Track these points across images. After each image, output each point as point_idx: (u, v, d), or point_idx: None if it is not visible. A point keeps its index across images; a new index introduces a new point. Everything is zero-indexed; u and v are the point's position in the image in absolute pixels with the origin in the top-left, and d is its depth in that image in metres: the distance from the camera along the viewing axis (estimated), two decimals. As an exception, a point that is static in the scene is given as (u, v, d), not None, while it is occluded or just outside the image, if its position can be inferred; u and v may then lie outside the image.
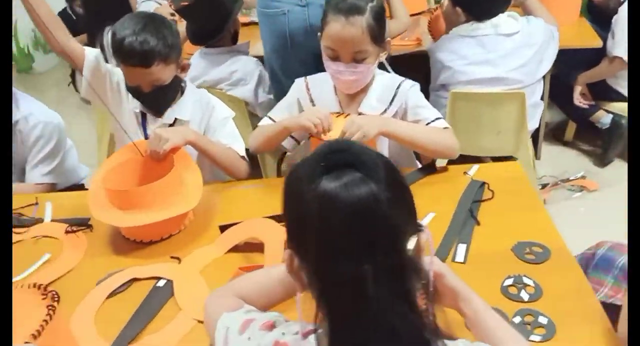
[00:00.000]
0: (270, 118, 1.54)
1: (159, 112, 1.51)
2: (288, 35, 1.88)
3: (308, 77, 1.55)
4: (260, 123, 1.56)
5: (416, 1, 2.65)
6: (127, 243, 1.29)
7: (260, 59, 2.27)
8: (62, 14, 3.87)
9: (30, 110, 1.62)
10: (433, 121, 1.42)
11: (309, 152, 1.53)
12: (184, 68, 1.50)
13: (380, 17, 1.38)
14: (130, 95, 1.49)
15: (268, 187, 1.50)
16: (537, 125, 2.09)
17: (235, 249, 1.22)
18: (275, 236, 1.13)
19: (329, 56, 1.39)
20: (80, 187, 1.86)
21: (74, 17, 3.84)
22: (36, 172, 1.62)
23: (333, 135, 1.33)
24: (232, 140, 1.50)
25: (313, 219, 0.62)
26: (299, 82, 1.55)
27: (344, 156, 0.64)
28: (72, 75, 4.02)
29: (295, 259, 0.68)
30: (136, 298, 1.12)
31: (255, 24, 3.11)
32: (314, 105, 1.51)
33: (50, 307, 0.92)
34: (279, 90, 1.98)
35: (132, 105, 1.52)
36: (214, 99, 1.57)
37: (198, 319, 1.03)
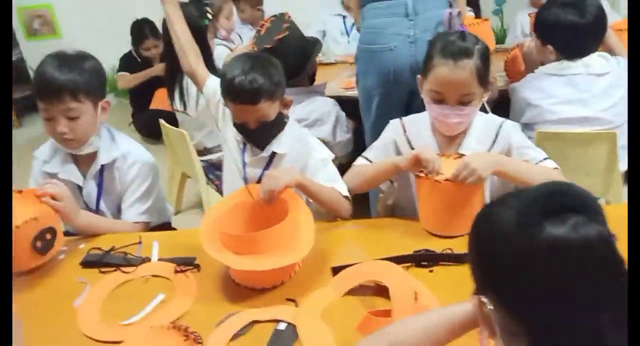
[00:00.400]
0: (365, 158, 1.55)
1: (262, 147, 1.55)
2: (393, 71, 1.90)
3: (404, 118, 1.56)
4: (355, 163, 1.57)
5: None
6: (237, 286, 1.29)
7: (336, 99, 2.32)
8: (127, 57, 4.04)
9: (128, 149, 1.67)
10: (541, 161, 1.40)
11: (408, 192, 1.53)
12: (287, 104, 1.55)
13: (486, 59, 1.39)
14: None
15: (373, 227, 1.49)
16: (626, 167, 2.05)
17: (351, 292, 1.21)
18: (399, 279, 1.11)
19: (433, 99, 1.40)
20: (168, 225, 1.90)
21: (139, 60, 4.00)
22: (133, 211, 1.66)
23: (442, 176, 1.33)
24: (333, 181, 1.50)
25: (537, 267, 0.60)
26: (395, 123, 1.56)
27: (566, 199, 0.62)
28: (133, 115, 4.16)
29: (486, 306, 0.66)
30: (259, 341, 1.11)
31: (326, 64, 3.21)
32: (411, 146, 1.52)
33: None
34: (371, 127, 2.00)
35: (234, 134, 1.57)
36: (313, 140, 1.60)
37: (330, 365, 1.02)
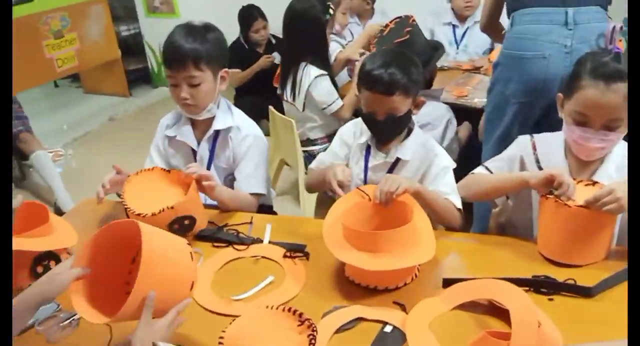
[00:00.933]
0: (486, 168, 1.51)
1: (386, 142, 1.56)
2: (543, 80, 1.82)
3: (535, 135, 1.49)
4: (474, 171, 1.52)
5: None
6: (346, 280, 1.30)
7: (450, 105, 2.29)
8: (235, 44, 4.17)
9: (242, 122, 1.72)
10: None
11: (526, 212, 1.45)
12: (418, 104, 1.54)
13: None
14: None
15: (485, 243, 1.44)
16: None
17: (462, 307, 1.18)
18: (522, 303, 1.06)
19: (575, 120, 1.33)
20: (269, 207, 1.94)
21: (246, 46, 4.11)
22: (248, 183, 1.69)
23: (572, 201, 1.26)
24: (450, 191, 1.48)
25: None
26: (524, 140, 1.50)
27: None
28: (235, 99, 4.30)
29: None
30: (363, 339, 1.11)
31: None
32: (539, 165, 1.45)
33: (311, 336, 0.92)
34: (499, 136, 1.95)
35: (361, 140, 1.59)
36: (438, 147, 1.58)
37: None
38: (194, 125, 1.72)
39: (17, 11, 3.71)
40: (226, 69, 1.66)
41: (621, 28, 1.64)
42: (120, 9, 5.13)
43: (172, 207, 1.40)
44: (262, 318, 1.13)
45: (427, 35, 3.55)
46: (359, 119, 1.63)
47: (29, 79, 3.95)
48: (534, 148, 1.47)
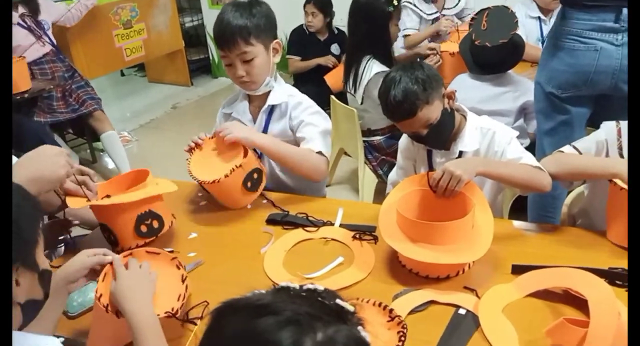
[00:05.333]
0: (574, 147, 1.47)
1: (443, 147, 1.54)
2: (593, 72, 1.79)
3: (621, 122, 1.45)
4: (563, 149, 1.48)
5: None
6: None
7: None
8: (297, 30, 4.21)
9: (301, 98, 1.72)
10: None
11: (603, 203, 1.40)
12: (450, 97, 1.50)
13: None
14: None
15: (555, 232, 1.42)
16: None
17: (535, 294, 1.17)
18: (602, 293, 1.05)
19: None
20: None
21: (307, 32, 4.15)
22: (315, 143, 1.64)
23: None
24: (521, 155, 1.45)
25: None
26: (610, 126, 1.45)
27: None
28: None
29: None
30: (437, 321, 1.13)
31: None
32: (620, 152, 1.41)
33: (401, 334, 0.93)
34: (550, 130, 1.92)
35: (417, 144, 1.59)
36: (493, 124, 1.54)
37: (513, 361, 1.01)
38: (251, 100, 1.75)
39: (91, 2, 3.89)
40: (278, 40, 1.67)
41: None
42: (185, 1, 5.29)
43: (240, 166, 1.49)
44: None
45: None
46: None
47: (100, 67, 4.14)
48: (619, 134, 1.43)
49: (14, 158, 1.75)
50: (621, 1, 1.66)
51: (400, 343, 0.90)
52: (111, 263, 1.10)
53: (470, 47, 2.41)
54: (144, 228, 1.38)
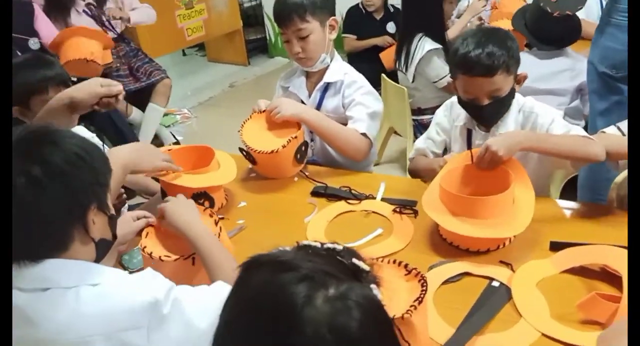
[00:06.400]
0: (619, 129, 1.44)
1: (490, 126, 1.52)
2: None
3: None
4: (606, 130, 1.46)
5: None
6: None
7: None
8: (353, 9, 4.20)
9: (356, 77, 1.77)
10: None
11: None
12: (520, 80, 1.49)
13: None
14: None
15: (596, 212, 1.42)
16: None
17: (571, 271, 1.18)
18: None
19: None
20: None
21: (364, 11, 4.14)
22: (361, 124, 1.69)
23: None
24: (566, 129, 1.43)
25: None
26: None
27: None
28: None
29: None
30: (470, 291, 1.17)
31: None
32: None
33: (422, 281, 0.98)
34: (605, 110, 1.87)
35: (459, 122, 1.57)
36: (536, 106, 1.50)
37: (542, 332, 1.04)
38: (308, 77, 1.82)
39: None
40: (334, 17, 1.72)
41: None
42: (243, -19, 5.39)
43: (295, 137, 1.60)
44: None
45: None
46: (449, 101, 1.61)
47: (163, 46, 4.32)
48: None
49: (88, 132, 1.92)
50: None
51: (424, 289, 0.94)
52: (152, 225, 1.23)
53: (531, 19, 2.34)
54: None
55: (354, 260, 0.66)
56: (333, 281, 0.60)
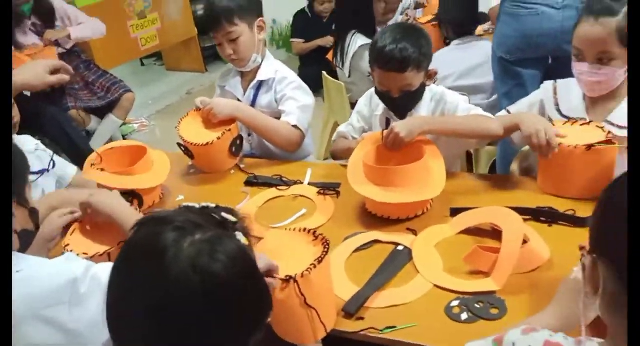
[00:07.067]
0: (507, 111, 1.60)
1: (404, 115, 1.64)
2: (537, 35, 1.91)
3: (558, 81, 1.57)
4: (499, 114, 1.62)
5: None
6: (368, 214, 1.48)
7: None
8: (300, 13, 4.35)
9: (288, 74, 1.90)
10: None
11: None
12: (431, 76, 1.60)
13: None
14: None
15: (500, 181, 1.58)
16: None
17: (467, 232, 1.33)
18: (514, 223, 1.20)
19: (575, 56, 1.42)
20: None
21: (310, 16, 4.29)
22: (292, 117, 1.82)
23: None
24: (470, 108, 1.56)
25: None
26: (547, 85, 1.58)
27: None
28: (300, 69, 4.52)
29: (598, 267, 0.67)
30: (378, 256, 1.30)
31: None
32: (558, 109, 1.54)
33: (324, 244, 1.11)
34: (506, 93, 2.04)
35: (378, 111, 1.70)
36: (447, 94, 1.62)
37: (434, 283, 1.18)
38: (243, 76, 1.95)
39: (104, -6, 4.12)
40: (262, 19, 1.84)
41: None
42: (195, -11, 5.48)
43: (229, 130, 1.72)
44: (282, 238, 1.27)
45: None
46: (371, 91, 1.72)
47: (117, 57, 4.38)
48: (555, 92, 1.56)
49: (34, 140, 1.99)
50: None
51: (325, 250, 1.07)
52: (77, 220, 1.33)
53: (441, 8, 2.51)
54: None
55: (223, 214, 0.78)
56: (200, 230, 0.72)
